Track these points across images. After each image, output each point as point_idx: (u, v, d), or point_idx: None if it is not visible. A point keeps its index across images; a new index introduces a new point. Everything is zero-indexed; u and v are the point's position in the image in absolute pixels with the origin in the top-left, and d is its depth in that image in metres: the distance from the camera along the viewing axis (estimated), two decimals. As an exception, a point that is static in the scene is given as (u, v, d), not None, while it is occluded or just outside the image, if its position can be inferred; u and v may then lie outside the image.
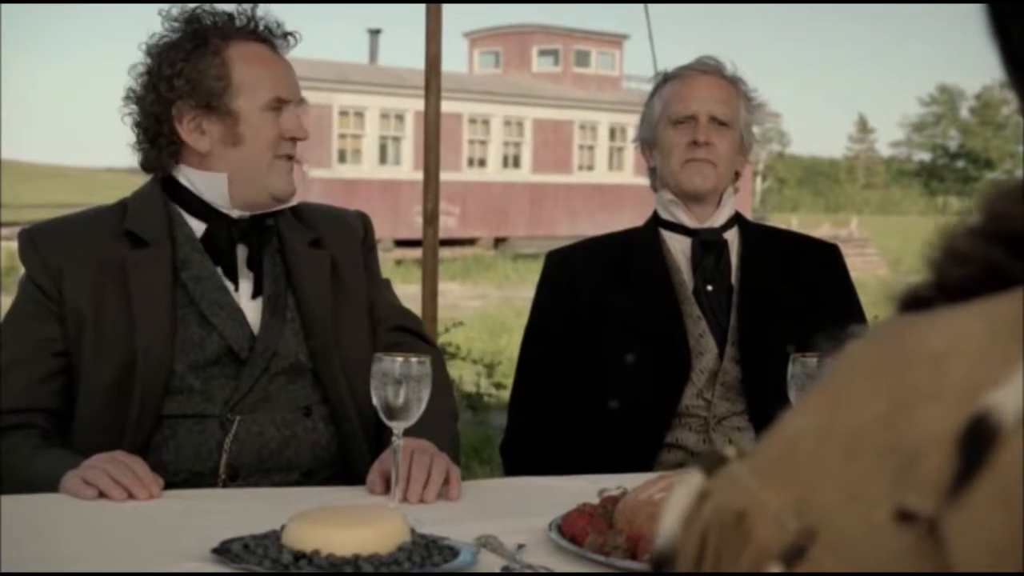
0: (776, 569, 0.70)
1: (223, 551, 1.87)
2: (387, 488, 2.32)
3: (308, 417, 2.61)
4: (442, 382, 2.73)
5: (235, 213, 2.66)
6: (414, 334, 2.82)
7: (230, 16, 2.67)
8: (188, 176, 2.66)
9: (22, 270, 2.69)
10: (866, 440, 0.69)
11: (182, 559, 1.88)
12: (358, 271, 2.80)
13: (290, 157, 2.68)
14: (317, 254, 2.73)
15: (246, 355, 2.58)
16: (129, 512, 2.18)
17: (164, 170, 2.68)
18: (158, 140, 2.65)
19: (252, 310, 2.63)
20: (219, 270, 2.63)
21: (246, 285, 2.65)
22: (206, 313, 2.58)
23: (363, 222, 2.90)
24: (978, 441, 0.65)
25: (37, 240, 2.63)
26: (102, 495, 2.22)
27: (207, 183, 2.64)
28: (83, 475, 2.26)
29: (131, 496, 2.23)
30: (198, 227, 2.65)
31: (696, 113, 3.04)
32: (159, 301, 2.56)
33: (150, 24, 2.68)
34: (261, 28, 2.69)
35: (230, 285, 2.63)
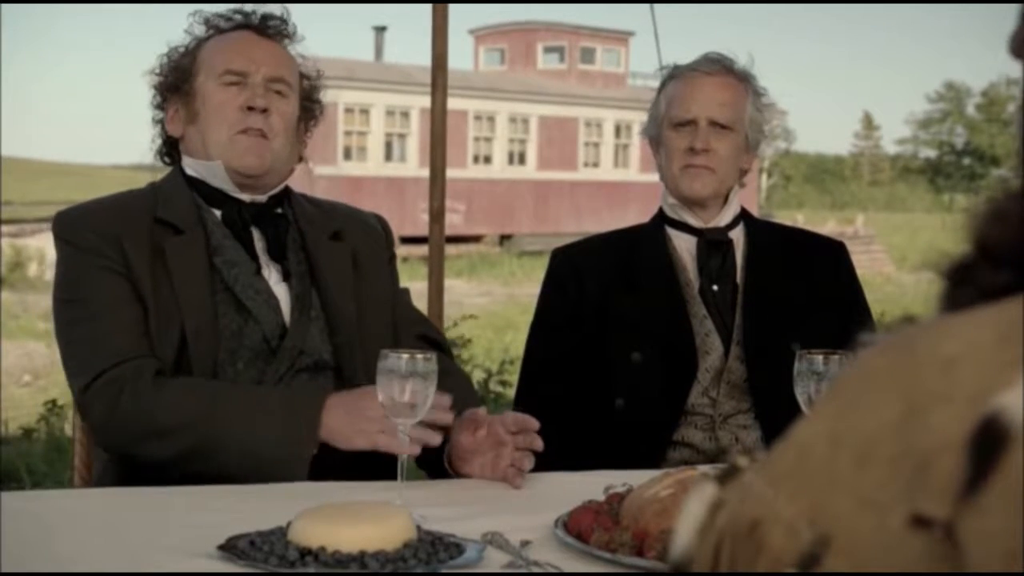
0: None
1: (229, 548, 1.87)
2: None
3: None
4: (463, 380, 2.79)
5: (246, 197, 2.68)
6: (438, 347, 2.80)
7: (243, 15, 2.71)
8: (191, 165, 2.69)
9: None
10: (878, 447, 0.69)
11: (188, 556, 1.88)
12: (381, 268, 2.81)
13: (253, 130, 2.63)
14: (338, 247, 2.74)
15: (275, 343, 2.59)
16: (135, 508, 2.18)
17: (172, 160, 2.75)
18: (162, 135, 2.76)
19: (281, 295, 2.64)
20: (248, 255, 2.64)
21: (271, 269, 2.66)
22: (241, 297, 2.58)
23: (383, 225, 2.91)
24: (988, 443, 0.65)
25: (86, 217, 2.59)
26: None
27: (208, 170, 2.66)
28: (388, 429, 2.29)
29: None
30: (218, 213, 2.67)
31: (696, 117, 3.01)
32: (200, 287, 2.55)
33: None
34: (255, 20, 2.71)
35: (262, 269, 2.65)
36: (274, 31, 2.73)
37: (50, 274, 19.87)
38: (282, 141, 2.68)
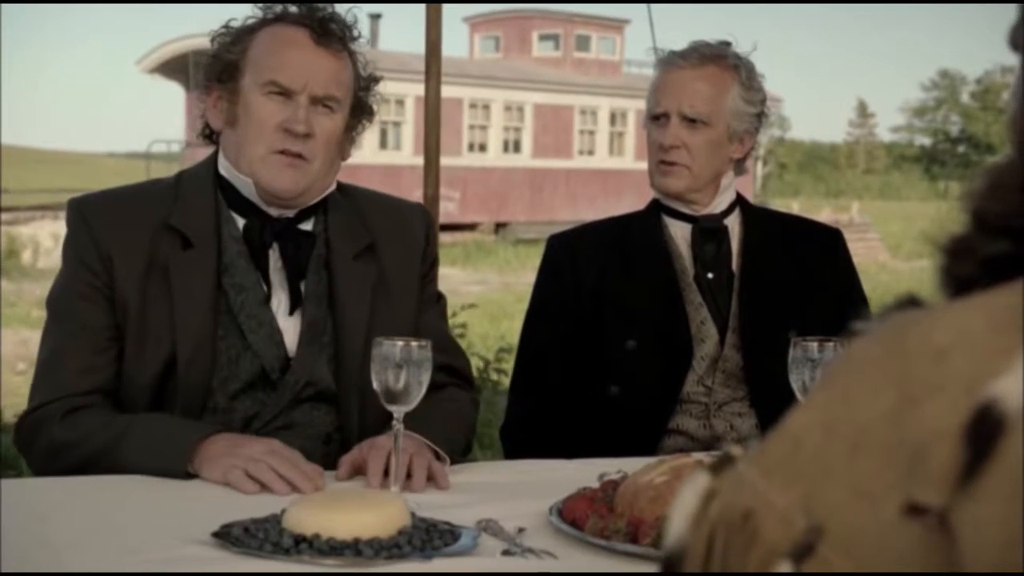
0: (785, 568, 0.70)
1: (223, 535, 1.87)
2: (351, 475, 2.32)
3: (327, 445, 2.50)
4: (467, 413, 2.68)
5: (274, 212, 2.55)
6: (458, 375, 2.72)
7: (304, 11, 2.55)
8: (224, 167, 2.57)
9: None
10: (872, 436, 0.69)
11: (182, 543, 1.88)
12: (409, 288, 2.66)
13: (291, 153, 2.49)
14: (363, 269, 2.60)
15: (276, 376, 2.50)
16: (130, 496, 2.18)
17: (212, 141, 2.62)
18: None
19: (288, 327, 2.53)
20: (261, 278, 2.52)
21: (282, 296, 2.54)
22: (243, 328, 2.49)
23: (426, 227, 2.76)
24: (984, 431, 0.65)
25: (88, 217, 2.51)
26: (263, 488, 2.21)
27: (238, 180, 2.54)
28: (247, 468, 2.21)
29: (295, 489, 2.19)
30: (241, 223, 2.55)
31: (668, 110, 2.99)
32: (201, 308, 2.46)
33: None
34: (315, 20, 2.53)
35: (271, 296, 2.53)
36: (336, 36, 2.55)
37: (44, 262, 19.86)
38: (321, 161, 2.52)
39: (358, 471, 2.34)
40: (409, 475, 2.29)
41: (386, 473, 2.27)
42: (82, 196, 2.60)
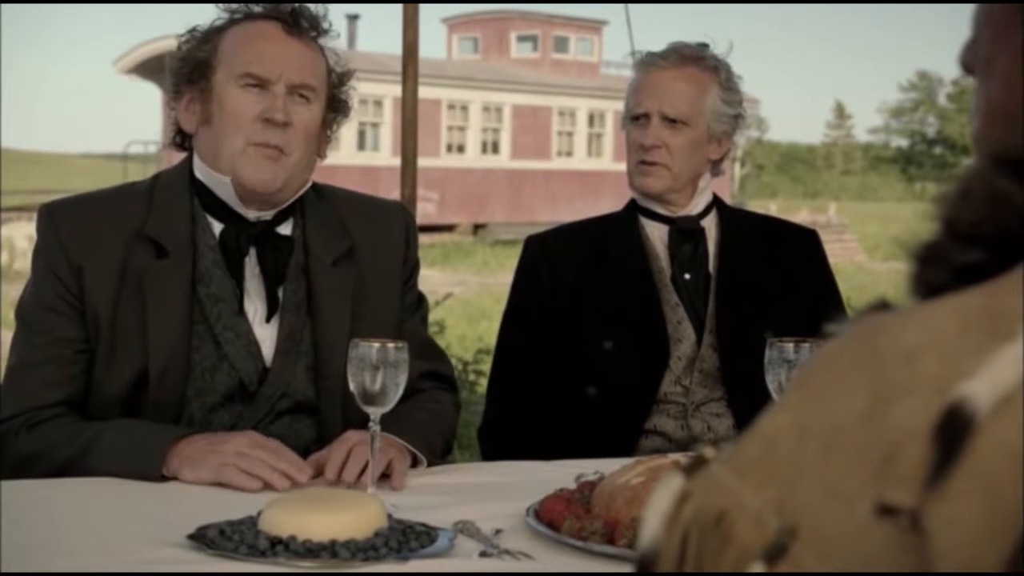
0: (758, 568, 0.70)
1: (199, 537, 1.86)
2: (319, 473, 2.30)
3: (306, 457, 2.41)
4: (449, 414, 2.67)
5: (251, 214, 2.51)
6: (443, 380, 2.71)
7: (272, 6, 2.52)
8: (200, 168, 2.52)
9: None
10: (844, 437, 0.70)
11: (158, 545, 1.87)
12: (390, 294, 2.63)
13: (271, 146, 2.45)
14: (343, 273, 2.56)
15: (254, 387, 2.46)
16: (106, 498, 2.17)
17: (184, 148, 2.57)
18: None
19: (265, 336, 2.50)
20: (236, 286, 2.48)
21: (258, 304, 2.50)
22: (220, 339, 2.45)
23: (405, 228, 2.71)
24: (953, 431, 0.65)
25: (59, 224, 2.46)
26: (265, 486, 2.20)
27: (215, 181, 2.49)
28: (239, 464, 2.20)
29: (295, 484, 2.20)
30: (218, 228, 2.51)
31: (648, 111, 2.99)
32: (175, 319, 2.42)
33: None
34: (285, 12, 2.50)
35: (247, 304, 2.49)
36: (306, 27, 2.52)
37: (20, 263, 19.76)
38: (299, 154, 2.48)
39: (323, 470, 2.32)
40: (386, 475, 2.28)
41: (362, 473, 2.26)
42: (53, 202, 2.55)
